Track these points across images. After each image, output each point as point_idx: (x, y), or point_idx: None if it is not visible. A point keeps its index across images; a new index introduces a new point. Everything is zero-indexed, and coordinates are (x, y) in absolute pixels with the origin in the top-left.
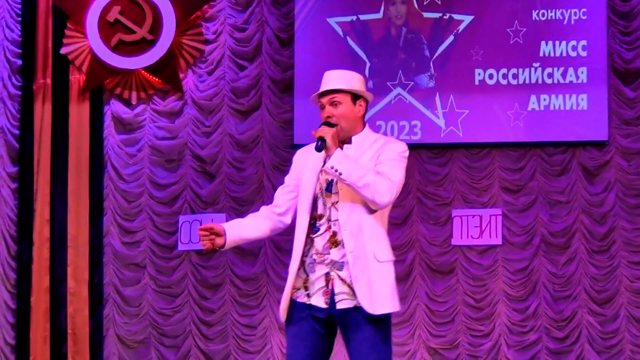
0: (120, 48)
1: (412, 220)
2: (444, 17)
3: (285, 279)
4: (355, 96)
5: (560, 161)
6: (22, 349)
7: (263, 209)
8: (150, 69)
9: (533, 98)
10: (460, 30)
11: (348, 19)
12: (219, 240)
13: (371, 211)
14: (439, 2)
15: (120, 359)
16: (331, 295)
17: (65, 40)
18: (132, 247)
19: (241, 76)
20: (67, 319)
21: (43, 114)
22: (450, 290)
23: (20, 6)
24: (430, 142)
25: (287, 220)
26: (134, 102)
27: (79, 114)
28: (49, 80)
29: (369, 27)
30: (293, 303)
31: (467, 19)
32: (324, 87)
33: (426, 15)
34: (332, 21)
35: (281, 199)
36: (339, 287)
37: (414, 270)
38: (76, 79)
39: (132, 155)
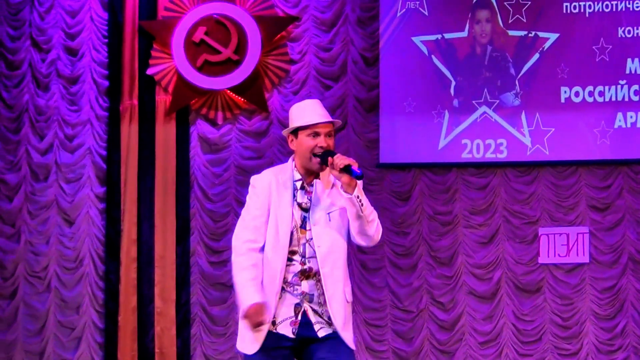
0: (206, 68)
1: (499, 239)
2: (529, 35)
3: (372, 298)
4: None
5: None
6: None
7: (247, 256)
8: (236, 89)
9: (620, 115)
10: (545, 48)
11: (433, 37)
12: (268, 315)
13: (345, 250)
14: (524, 20)
15: None
16: (300, 325)
17: (151, 62)
18: (219, 267)
19: (326, 96)
20: (155, 338)
21: (130, 134)
22: (537, 309)
23: (106, 27)
24: (517, 161)
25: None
26: (220, 122)
27: (165, 134)
28: (135, 101)
29: (454, 46)
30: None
31: (553, 37)
32: (322, 117)
33: (511, 33)
34: (417, 40)
35: (259, 232)
36: (313, 317)
37: (500, 289)
38: (162, 99)
39: (218, 175)
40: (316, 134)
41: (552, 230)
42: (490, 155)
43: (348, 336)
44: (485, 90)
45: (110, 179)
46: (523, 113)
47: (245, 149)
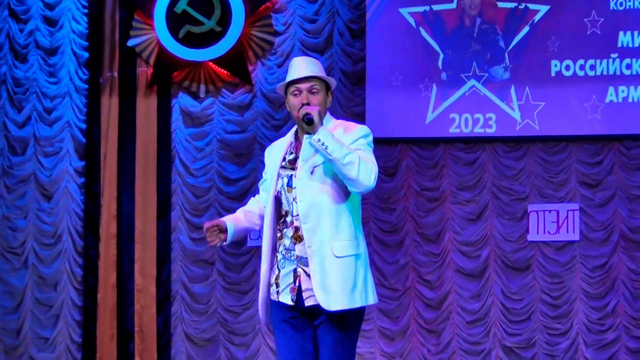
0: (188, 40)
1: (487, 215)
2: (519, 7)
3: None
4: (327, 86)
5: (639, 155)
6: (89, 347)
7: (252, 201)
8: (219, 61)
9: (611, 90)
10: (536, 21)
11: (421, 9)
12: (223, 236)
13: (333, 203)
14: None
15: (189, 357)
16: (298, 292)
17: (132, 33)
18: (201, 243)
19: None
20: (135, 316)
21: (110, 107)
22: (526, 288)
23: None
24: (506, 136)
25: None
26: (202, 95)
27: (146, 107)
28: (115, 74)
29: (442, 18)
30: (270, 301)
31: (543, 9)
32: (302, 72)
33: (501, 5)
34: (405, 12)
35: (263, 193)
36: (306, 283)
37: (489, 267)
38: (143, 72)
39: (200, 149)
40: (298, 91)
41: (542, 207)
42: (478, 130)
43: (332, 298)
44: (474, 63)
45: (90, 153)
46: (512, 87)
47: (228, 123)
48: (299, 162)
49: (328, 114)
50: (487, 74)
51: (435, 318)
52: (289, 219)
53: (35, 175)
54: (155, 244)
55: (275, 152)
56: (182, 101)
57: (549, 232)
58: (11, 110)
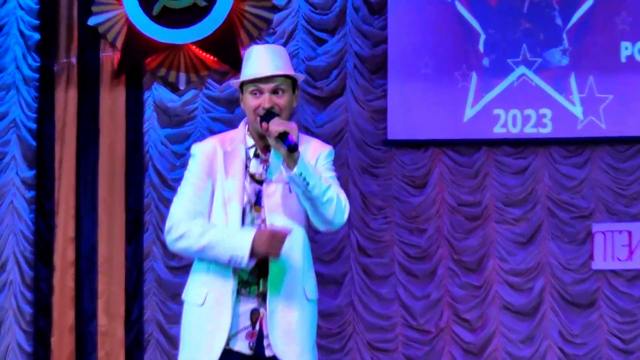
0: (165, 17)
1: (541, 237)
2: None
3: (378, 314)
4: (294, 83)
5: None
6: None
7: (197, 222)
8: (204, 43)
9: None
10: None
11: None
12: None
13: (305, 231)
14: None
15: None
16: (257, 338)
17: (94, 8)
18: (180, 273)
19: (319, 53)
20: None
21: (67, 102)
22: (590, 329)
23: None
24: (564, 137)
25: None
26: (182, 86)
27: (112, 102)
28: (74, 60)
29: None
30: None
31: None
32: (264, 69)
33: None
34: None
35: (201, 202)
36: (268, 326)
37: (543, 303)
38: (109, 57)
39: (180, 154)
40: (259, 91)
41: (610, 227)
42: (530, 130)
43: (302, 352)
44: (524, 45)
45: (42, 159)
46: (572, 75)
47: (215, 121)
48: (273, 178)
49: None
50: (540, 59)
51: None
52: None
53: None
54: (124, 274)
55: (221, 156)
56: (157, 94)
57: (618, 258)
58: None
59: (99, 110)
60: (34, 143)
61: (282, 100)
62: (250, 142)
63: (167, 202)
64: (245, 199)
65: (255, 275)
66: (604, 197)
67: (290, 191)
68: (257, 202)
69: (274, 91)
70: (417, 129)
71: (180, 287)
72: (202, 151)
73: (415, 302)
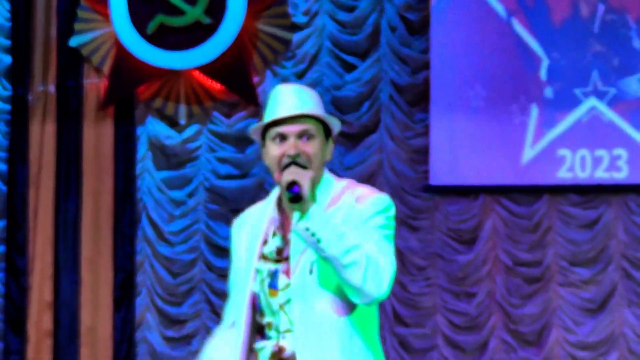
0: (162, 37)
1: (614, 303)
2: None
3: None
4: (328, 130)
5: None
6: None
7: (221, 334)
8: (208, 69)
9: None
10: None
11: None
12: None
13: (343, 316)
14: None
15: None
16: None
17: (76, 26)
18: (179, 345)
19: (348, 80)
20: None
21: (43, 139)
22: None
23: None
24: None
25: None
26: (183, 121)
27: (97, 139)
28: (52, 88)
29: (547, 5)
30: None
31: None
32: (288, 109)
33: None
34: None
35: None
36: None
37: None
38: (94, 85)
39: (180, 202)
40: (282, 137)
41: None
42: (602, 175)
43: None
44: (595, 72)
45: (13, 207)
46: None
47: (222, 163)
48: (290, 251)
49: (328, 172)
50: (614, 89)
51: None
52: (271, 333)
53: None
54: (112, 345)
55: (249, 232)
56: (152, 129)
57: None
58: None
59: (82, 149)
60: (4, 188)
61: (310, 147)
62: (276, 211)
63: (164, 260)
64: (258, 281)
65: None
66: None
67: (311, 272)
68: (271, 284)
69: (300, 135)
70: (465, 172)
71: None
72: (234, 230)
73: None
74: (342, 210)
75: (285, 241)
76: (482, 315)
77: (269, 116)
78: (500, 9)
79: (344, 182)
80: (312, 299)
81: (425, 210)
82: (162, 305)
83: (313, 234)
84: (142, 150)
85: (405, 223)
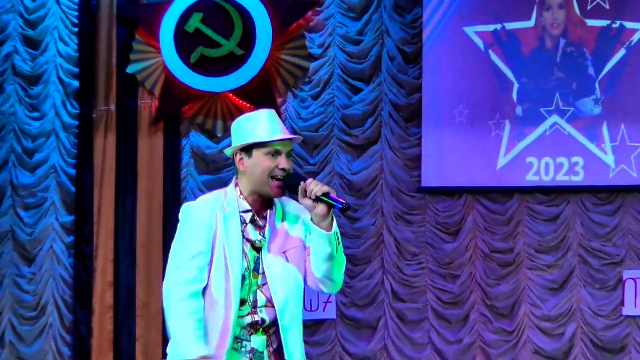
0: (202, 65)
1: (573, 283)
2: (613, 25)
3: (411, 359)
4: None
5: None
6: None
7: (187, 303)
8: (240, 92)
9: None
10: (633, 42)
11: (491, 27)
12: None
13: (301, 297)
14: (607, 7)
15: None
16: None
17: (132, 56)
18: None
19: (355, 101)
20: None
21: (105, 148)
22: None
23: (77, 13)
24: (596, 185)
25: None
26: (219, 134)
27: (150, 148)
28: (112, 107)
29: (518, 38)
30: None
31: None
32: (285, 132)
33: (590, 23)
34: (471, 31)
35: (200, 272)
36: None
37: (574, 348)
38: (147, 104)
39: None
40: (276, 153)
41: None
42: (562, 178)
43: None
44: (557, 95)
45: (81, 204)
46: (604, 124)
47: None
48: (271, 244)
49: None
50: (573, 109)
51: None
52: (244, 308)
53: (12, 233)
54: (161, 318)
55: (220, 218)
56: (194, 141)
57: None
58: None
59: (137, 157)
60: (72, 189)
61: (290, 164)
62: (244, 205)
63: None
64: (244, 265)
65: (247, 332)
66: (634, 245)
67: (287, 260)
68: (255, 268)
69: (288, 154)
70: (450, 176)
71: None
72: (199, 212)
73: (447, 347)
74: (296, 215)
75: (262, 233)
76: (464, 293)
77: (264, 135)
78: (479, 42)
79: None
80: (290, 283)
81: (418, 207)
82: None
83: (338, 238)
84: (186, 158)
85: (402, 218)
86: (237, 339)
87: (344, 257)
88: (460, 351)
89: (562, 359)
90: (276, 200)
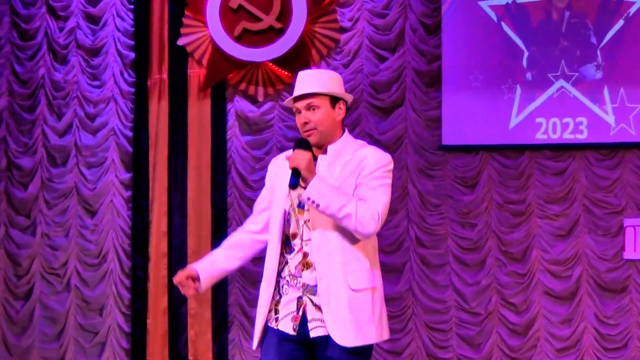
0: (245, 38)
1: (578, 231)
2: None
3: (434, 299)
4: (334, 99)
5: None
6: None
7: (236, 234)
8: (279, 61)
9: None
10: (631, 13)
11: (503, 1)
12: (197, 284)
13: (348, 233)
14: None
15: None
16: (301, 322)
17: (183, 30)
18: (260, 263)
19: (381, 68)
20: (188, 343)
21: (159, 113)
22: (622, 312)
23: None
24: (598, 142)
25: (267, 237)
26: (260, 99)
27: (199, 113)
28: (165, 75)
29: (527, 11)
30: (266, 328)
31: None
32: (298, 90)
33: None
34: (485, 5)
35: (257, 216)
36: (312, 313)
37: (580, 289)
38: (196, 73)
39: (259, 159)
40: (298, 110)
41: None
42: (568, 136)
43: (348, 332)
44: (563, 61)
45: (137, 163)
46: (605, 88)
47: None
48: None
49: (346, 133)
50: (577, 74)
51: (521, 345)
52: (296, 242)
53: (77, 189)
54: None
55: (282, 167)
56: (238, 106)
57: None
58: (50, 117)
59: (187, 121)
60: (130, 149)
61: (315, 116)
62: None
63: (248, 201)
64: (288, 203)
65: (300, 269)
66: (634, 196)
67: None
68: (299, 204)
69: (308, 108)
70: (468, 135)
71: (260, 275)
72: (270, 166)
73: (466, 288)
74: (354, 162)
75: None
76: (481, 240)
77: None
78: (493, 15)
79: (359, 142)
80: (326, 221)
81: (439, 163)
82: None
83: (313, 201)
84: (231, 121)
85: (424, 173)
86: (292, 275)
87: (350, 212)
88: (478, 292)
89: (570, 298)
90: (329, 147)
